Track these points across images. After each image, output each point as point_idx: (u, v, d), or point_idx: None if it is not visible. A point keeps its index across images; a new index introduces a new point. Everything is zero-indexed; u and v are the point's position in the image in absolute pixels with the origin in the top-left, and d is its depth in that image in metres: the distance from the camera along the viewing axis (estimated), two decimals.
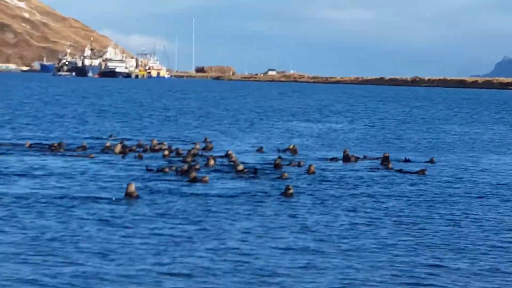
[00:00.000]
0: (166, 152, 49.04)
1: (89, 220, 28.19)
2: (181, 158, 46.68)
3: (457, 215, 30.77)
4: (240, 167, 41.40)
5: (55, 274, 20.93)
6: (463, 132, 78.42)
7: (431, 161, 49.89)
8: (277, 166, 43.44)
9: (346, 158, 48.22)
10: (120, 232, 26.41)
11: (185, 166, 40.62)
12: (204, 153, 50.09)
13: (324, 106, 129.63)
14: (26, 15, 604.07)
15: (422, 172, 43.55)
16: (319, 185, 38.05)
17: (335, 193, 35.64)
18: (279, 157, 46.06)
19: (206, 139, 58.14)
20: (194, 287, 20.58)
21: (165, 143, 54.60)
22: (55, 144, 52.08)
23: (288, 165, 44.79)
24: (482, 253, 23.94)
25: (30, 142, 53.62)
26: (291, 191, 34.46)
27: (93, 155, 47.60)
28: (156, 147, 51.97)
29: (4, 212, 29.00)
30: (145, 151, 50.69)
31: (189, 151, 49.22)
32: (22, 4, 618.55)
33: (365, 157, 50.43)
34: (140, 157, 47.62)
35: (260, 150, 53.87)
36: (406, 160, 50.12)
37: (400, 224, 28.73)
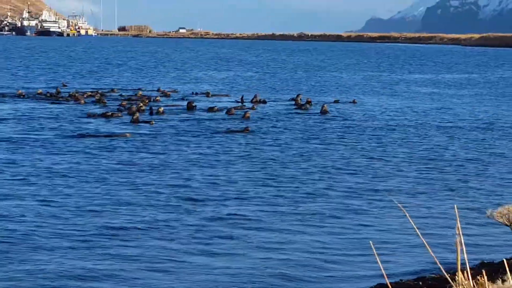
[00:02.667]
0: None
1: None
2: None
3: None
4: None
5: None
6: (347, 77, 79.22)
7: (353, 102, 49.33)
8: (189, 108, 42.75)
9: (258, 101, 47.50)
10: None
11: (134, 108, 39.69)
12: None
13: (230, 57, 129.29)
14: None
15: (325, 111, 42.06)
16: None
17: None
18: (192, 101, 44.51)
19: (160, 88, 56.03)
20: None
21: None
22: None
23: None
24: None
25: None
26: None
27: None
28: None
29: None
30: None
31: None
32: None
33: (271, 100, 49.66)
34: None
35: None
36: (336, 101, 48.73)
37: None
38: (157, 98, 48.49)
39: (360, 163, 26.72)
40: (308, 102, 46.40)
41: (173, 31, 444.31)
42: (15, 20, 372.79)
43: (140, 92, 52.57)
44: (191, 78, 73.65)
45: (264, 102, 47.96)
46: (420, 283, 12.54)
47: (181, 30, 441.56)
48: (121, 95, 50.79)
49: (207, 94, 53.07)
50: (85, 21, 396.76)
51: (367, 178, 24.23)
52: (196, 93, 54.37)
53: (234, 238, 17.11)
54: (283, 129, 35.52)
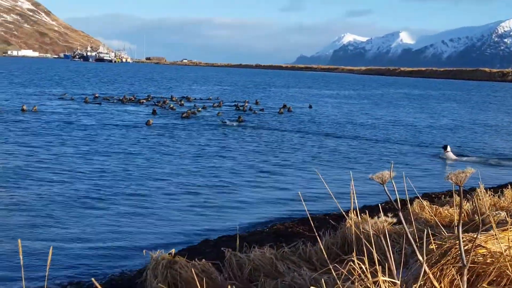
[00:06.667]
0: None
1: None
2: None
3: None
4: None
5: None
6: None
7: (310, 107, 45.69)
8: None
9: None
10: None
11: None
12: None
13: (218, 77, 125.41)
14: (56, 28, 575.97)
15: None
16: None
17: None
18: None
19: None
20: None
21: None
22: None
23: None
24: None
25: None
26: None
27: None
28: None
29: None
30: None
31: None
32: (54, 23, 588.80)
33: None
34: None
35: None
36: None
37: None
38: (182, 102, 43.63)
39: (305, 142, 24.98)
40: (287, 107, 41.78)
41: (179, 61, 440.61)
42: (82, 52, 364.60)
43: (175, 97, 48.03)
44: (198, 90, 70.63)
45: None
46: (327, 217, 12.20)
47: (184, 60, 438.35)
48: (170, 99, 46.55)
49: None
50: (125, 53, 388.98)
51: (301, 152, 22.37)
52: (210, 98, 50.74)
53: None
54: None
